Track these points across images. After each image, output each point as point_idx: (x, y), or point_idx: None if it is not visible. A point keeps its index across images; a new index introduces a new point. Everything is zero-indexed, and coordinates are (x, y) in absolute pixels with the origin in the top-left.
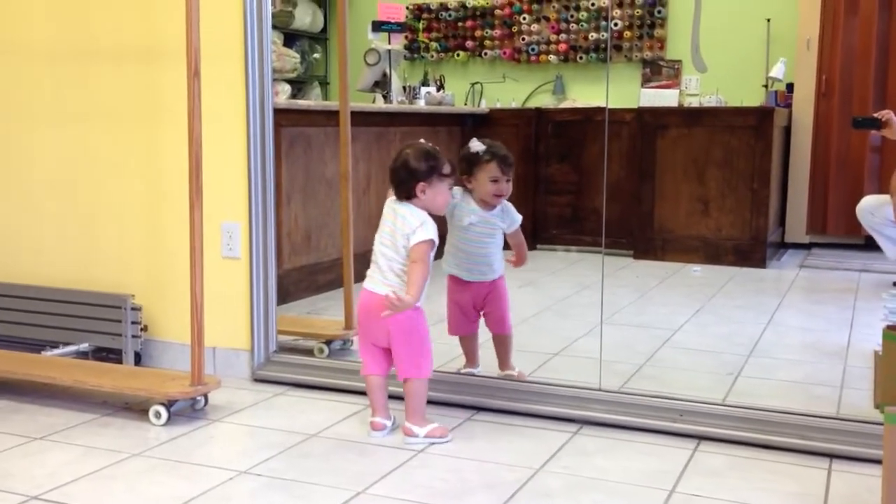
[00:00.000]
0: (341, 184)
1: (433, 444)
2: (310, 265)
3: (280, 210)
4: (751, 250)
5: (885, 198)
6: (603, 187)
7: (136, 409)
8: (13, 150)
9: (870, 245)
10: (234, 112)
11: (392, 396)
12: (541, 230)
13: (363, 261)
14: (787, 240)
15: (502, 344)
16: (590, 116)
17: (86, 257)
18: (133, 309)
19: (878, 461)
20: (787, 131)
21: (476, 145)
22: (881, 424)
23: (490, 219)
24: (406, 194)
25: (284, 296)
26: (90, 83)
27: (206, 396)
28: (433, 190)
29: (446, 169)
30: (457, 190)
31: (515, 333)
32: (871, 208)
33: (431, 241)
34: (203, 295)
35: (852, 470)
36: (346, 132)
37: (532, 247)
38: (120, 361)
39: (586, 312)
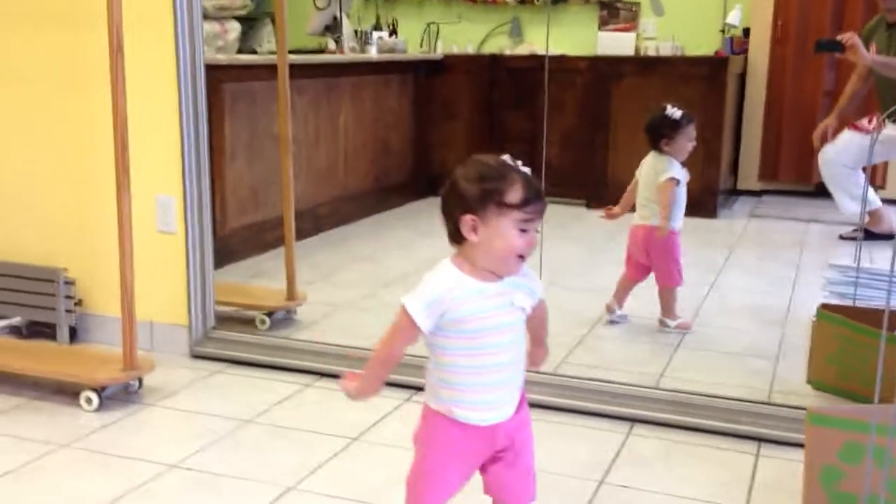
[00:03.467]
0: (281, 148)
1: None
2: (257, 223)
3: (223, 168)
4: (701, 201)
5: (843, 142)
6: (543, 136)
7: (68, 391)
8: None
9: (819, 193)
10: (164, 83)
11: None
12: None
13: (311, 217)
14: (739, 187)
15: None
16: (545, 64)
17: (18, 229)
18: (66, 283)
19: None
20: (743, 78)
21: (675, 112)
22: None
23: None
24: (451, 235)
25: (231, 255)
26: (10, 46)
27: (140, 379)
28: (490, 229)
29: (514, 195)
30: (664, 157)
31: None
32: (834, 159)
33: (406, 313)
34: (133, 279)
35: (779, 455)
36: (286, 94)
37: None
38: (55, 335)
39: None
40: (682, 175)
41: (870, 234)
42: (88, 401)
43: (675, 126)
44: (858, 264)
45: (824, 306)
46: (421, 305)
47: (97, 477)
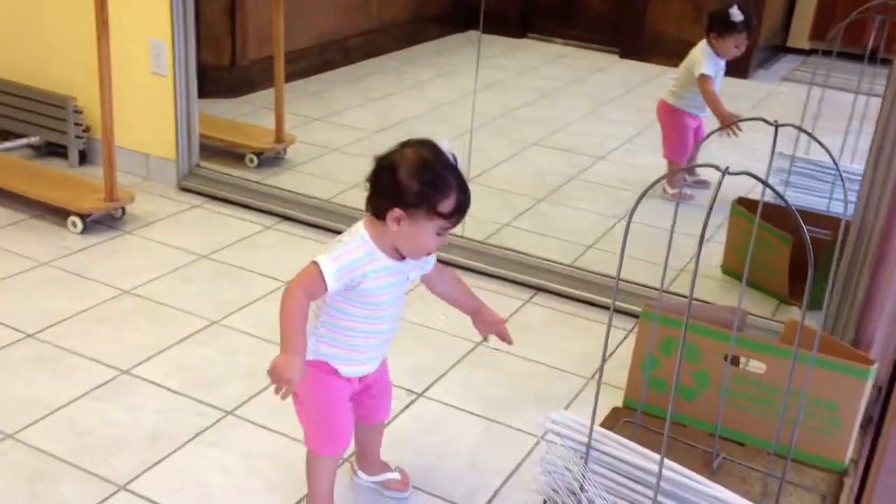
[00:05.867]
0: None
1: None
2: None
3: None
4: (734, 61)
5: None
6: None
7: (61, 213)
8: None
9: (873, 58)
10: None
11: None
12: (530, 19)
13: (339, 49)
14: (789, 44)
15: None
16: None
17: (40, 59)
18: (75, 111)
19: None
20: None
21: (737, 14)
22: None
23: None
24: (375, 210)
25: (251, 85)
26: None
27: (122, 208)
28: (413, 227)
29: (446, 205)
30: (706, 48)
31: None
32: None
33: (317, 269)
34: (112, 123)
35: None
36: None
37: (523, 35)
38: (67, 156)
39: (523, 130)
40: (718, 71)
41: None
42: (74, 224)
43: (728, 27)
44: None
45: (739, 201)
46: (333, 268)
47: (61, 294)
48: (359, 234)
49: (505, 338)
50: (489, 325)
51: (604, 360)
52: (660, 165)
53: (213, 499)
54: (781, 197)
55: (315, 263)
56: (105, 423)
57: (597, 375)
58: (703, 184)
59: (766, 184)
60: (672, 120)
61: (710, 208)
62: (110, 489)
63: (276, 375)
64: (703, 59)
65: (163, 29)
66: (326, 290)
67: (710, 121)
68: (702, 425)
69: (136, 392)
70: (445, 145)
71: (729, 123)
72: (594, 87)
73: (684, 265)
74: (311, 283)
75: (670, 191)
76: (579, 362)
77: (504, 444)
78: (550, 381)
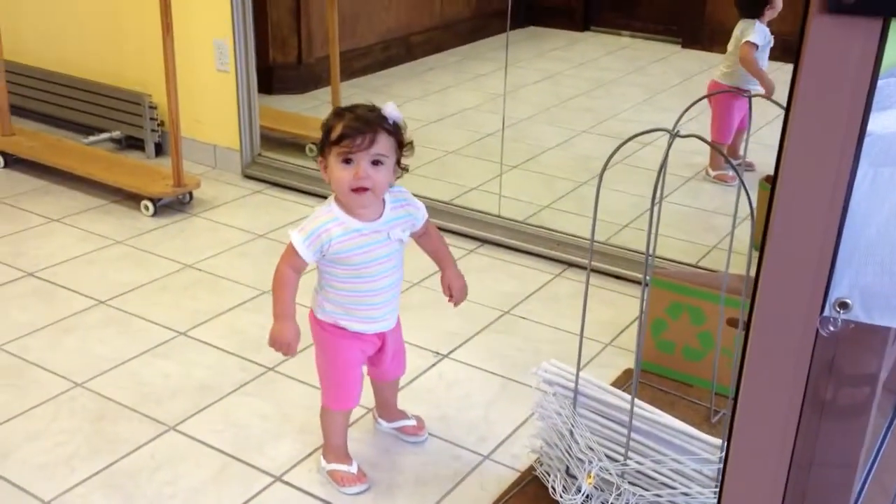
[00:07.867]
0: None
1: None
2: (344, 52)
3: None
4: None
5: None
6: None
7: (136, 198)
8: None
9: None
10: None
11: None
12: (593, 12)
13: (402, 45)
14: None
15: None
16: None
17: (118, 59)
18: (150, 107)
19: None
20: None
21: None
22: (690, 266)
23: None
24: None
25: (316, 81)
26: None
27: (190, 193)
28: (329, 168)
29: (335, 132)
30: (748, 20)
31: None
32: None
33: (293, 249)
34: (178, 115)
35: None
36: None
37: (585, 28)
38: (144, 148)
39: (575, 118)
40: (767, 43)
41: None
42: (146, 208)
43: None
44: None
45: (766, 178)
46: (301, 238)
47: (132, 269)
48: (326, 203)
49: (455, 298)
50: (448, 282)
51: (584, 317)
52: (704, 149)
53: (251, 439)
54: (726, 158)
55: (290, 248)
56: (161, 376)
57: (615, 341)
58: (748, 166)
59: (708, 143)
60: (719, 99)
61: (662, 168)
62: (162, 429)
63: (276, 342)
64: (753, 29)
65: (225, 30)
66: (304, 260)
67: (758, 106)
68: (708, 385)
69: (191, 350)
70: (389, 108)
71: (771, 91)
72: (651, 77)
73: (717, 242)
74: (290, 256)
75: (713, 173)
76: (599, 329)
77: (518, 400)
78: (570, 345)
